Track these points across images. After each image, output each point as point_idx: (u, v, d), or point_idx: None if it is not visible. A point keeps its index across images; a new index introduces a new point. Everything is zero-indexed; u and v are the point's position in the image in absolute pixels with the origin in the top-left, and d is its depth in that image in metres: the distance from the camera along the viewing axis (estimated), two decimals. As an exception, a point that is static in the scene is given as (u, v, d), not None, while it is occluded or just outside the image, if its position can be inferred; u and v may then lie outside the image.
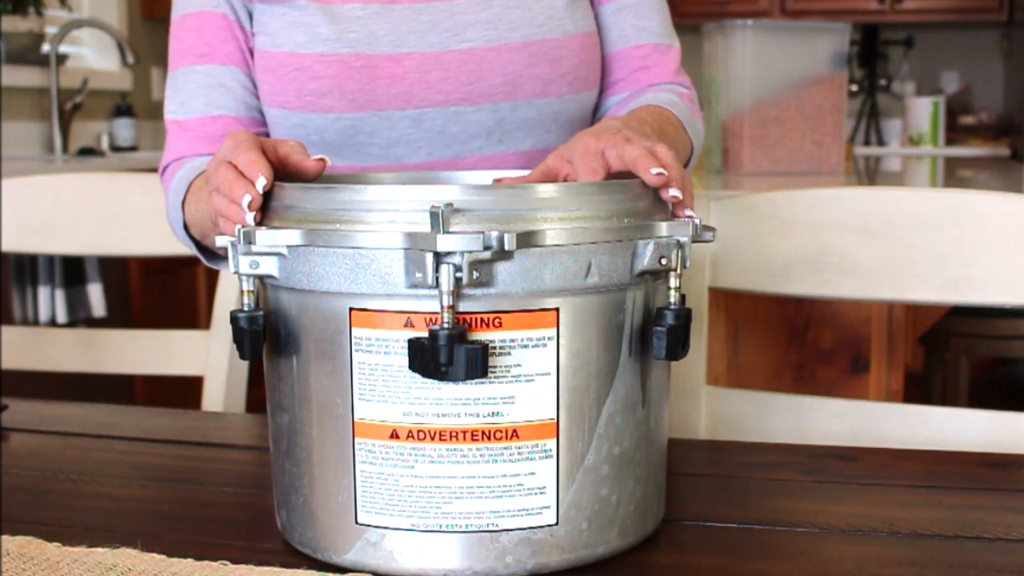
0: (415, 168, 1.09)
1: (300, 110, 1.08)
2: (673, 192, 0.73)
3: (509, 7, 1.09)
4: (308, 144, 1.11)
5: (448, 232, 0.65)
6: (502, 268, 0.66)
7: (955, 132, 4.88)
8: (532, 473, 0.69)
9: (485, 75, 1.08)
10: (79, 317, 2.59)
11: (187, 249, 1.11)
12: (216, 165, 0.75)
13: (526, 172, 0.88)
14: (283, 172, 0.77)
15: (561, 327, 0.68)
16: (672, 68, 1.19)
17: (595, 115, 1.18)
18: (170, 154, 1.14)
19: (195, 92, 1.12)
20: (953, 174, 3.06)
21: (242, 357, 0.72)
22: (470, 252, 0.65)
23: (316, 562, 0.73)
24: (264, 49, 1.10)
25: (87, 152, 3.65)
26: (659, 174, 0.72)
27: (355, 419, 0.69)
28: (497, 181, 0.77)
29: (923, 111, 4.58)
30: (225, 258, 0.96)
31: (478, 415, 0.68)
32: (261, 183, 0.72)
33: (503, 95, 1.09)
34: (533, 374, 0.68)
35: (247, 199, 0.71)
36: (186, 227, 1.06)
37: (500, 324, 0.67)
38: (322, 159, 0.78)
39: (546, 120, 1.11)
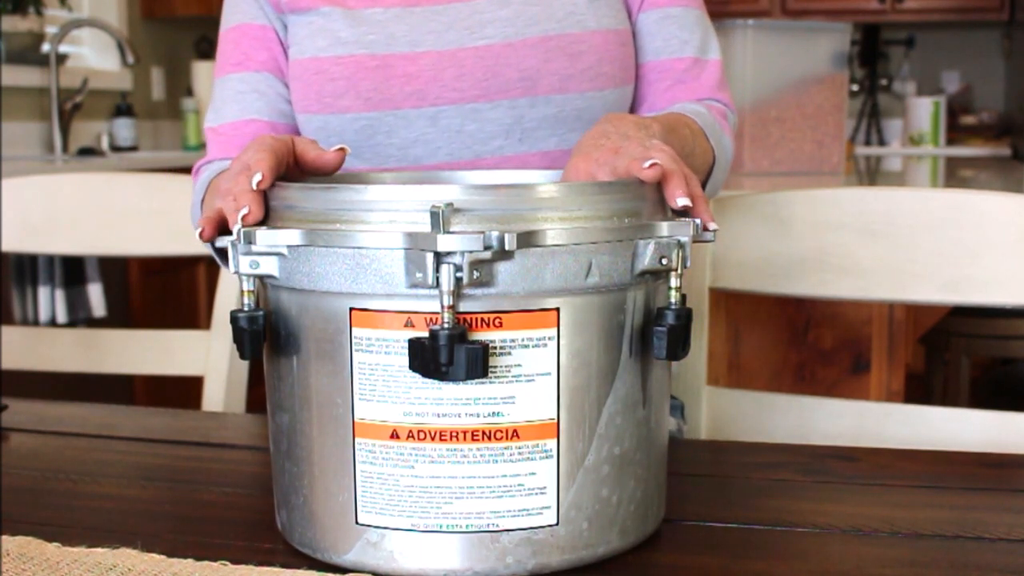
0: (434, 169, 1.09)
1: (320, 113, 1.10)
2: (682, 202, 0.71)
3: (528, 4, 1.09)
4: (328, 147, 1.12)
5: (448, 232, 0.65)
6: (502, 268, 0.66)
7: (956, 132, 4.89)
8: (532, 473, 0.69)
9: (501, 71, 1.08)
10: (79, 317, 2.59)
11: (191, 249, 1.11)
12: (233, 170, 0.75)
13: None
14: (303, 169, 0.77)
15: (561, 327, 0.68)
16: (712, 83, 1.17)
17: None
18: (203, 159, 1.16)
19: (230, 99, 1.14)
20: (954, 174, 3.06)
21: (242, 357, 0.72)
22: (470, 252, 0.65)
23: (316, 562, 0.73)
24: (293, 58, 1.12)
25: (87, 152, 3.65)
26: (652, 165, 0.71)
27: (355, 419, 0.69)
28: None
29: (924, 111, 4.58)
30: None
31: (478, 415, 0.68)
32: (257, 179, 0.71)
33: (520, 91, 1.08)
34: (533, 374, 0.68)
35: (257, 178, 0.70)
36: None
37: (500, 324, 0.67)
38: (342, 149, 0.78)
39: (568, 118, 1.09)
